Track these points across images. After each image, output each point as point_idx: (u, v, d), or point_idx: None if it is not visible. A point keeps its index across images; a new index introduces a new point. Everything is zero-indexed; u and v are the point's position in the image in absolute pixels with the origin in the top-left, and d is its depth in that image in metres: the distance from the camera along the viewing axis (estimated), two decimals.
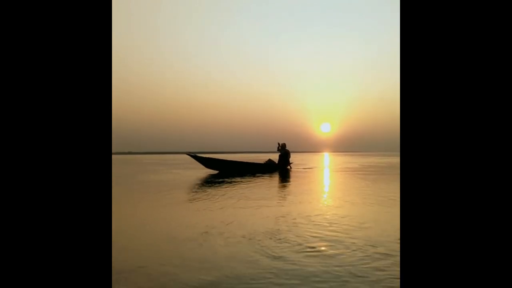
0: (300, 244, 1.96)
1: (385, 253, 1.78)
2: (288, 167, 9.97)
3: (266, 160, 9.80)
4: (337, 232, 2.26)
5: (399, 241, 1.79)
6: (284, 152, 9.77)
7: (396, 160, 17.66)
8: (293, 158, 11.41)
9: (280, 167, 9.65)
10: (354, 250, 1.84)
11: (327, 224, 2.49)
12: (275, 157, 10.00)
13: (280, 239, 2.09)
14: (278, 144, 9.83)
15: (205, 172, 8.54)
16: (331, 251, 1.84)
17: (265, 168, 9.28)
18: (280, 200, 3.88)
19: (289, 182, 6.11)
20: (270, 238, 2.10)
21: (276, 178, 6.80)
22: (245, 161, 9.90)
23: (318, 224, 2.49)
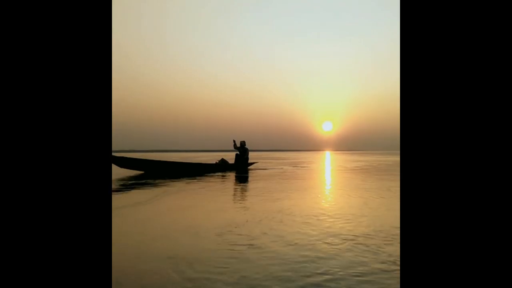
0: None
1: None
2: (249, 167, 9.29)
3: (219, 159, 9.14)
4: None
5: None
6: (242, 151, 8.98)
7: (399, 158, 16.87)
8: (296, 156, 10.72)
9: (236, 167, 8.91)
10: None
11: None
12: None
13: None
14: (234, 141, 9.00)
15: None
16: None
17: (215, 168, 8.60)
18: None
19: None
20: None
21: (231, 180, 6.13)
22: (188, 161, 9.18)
23: None
